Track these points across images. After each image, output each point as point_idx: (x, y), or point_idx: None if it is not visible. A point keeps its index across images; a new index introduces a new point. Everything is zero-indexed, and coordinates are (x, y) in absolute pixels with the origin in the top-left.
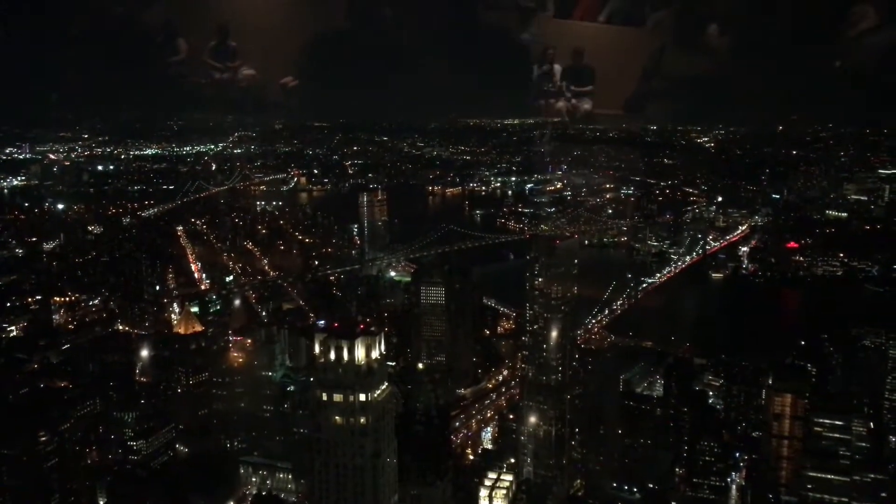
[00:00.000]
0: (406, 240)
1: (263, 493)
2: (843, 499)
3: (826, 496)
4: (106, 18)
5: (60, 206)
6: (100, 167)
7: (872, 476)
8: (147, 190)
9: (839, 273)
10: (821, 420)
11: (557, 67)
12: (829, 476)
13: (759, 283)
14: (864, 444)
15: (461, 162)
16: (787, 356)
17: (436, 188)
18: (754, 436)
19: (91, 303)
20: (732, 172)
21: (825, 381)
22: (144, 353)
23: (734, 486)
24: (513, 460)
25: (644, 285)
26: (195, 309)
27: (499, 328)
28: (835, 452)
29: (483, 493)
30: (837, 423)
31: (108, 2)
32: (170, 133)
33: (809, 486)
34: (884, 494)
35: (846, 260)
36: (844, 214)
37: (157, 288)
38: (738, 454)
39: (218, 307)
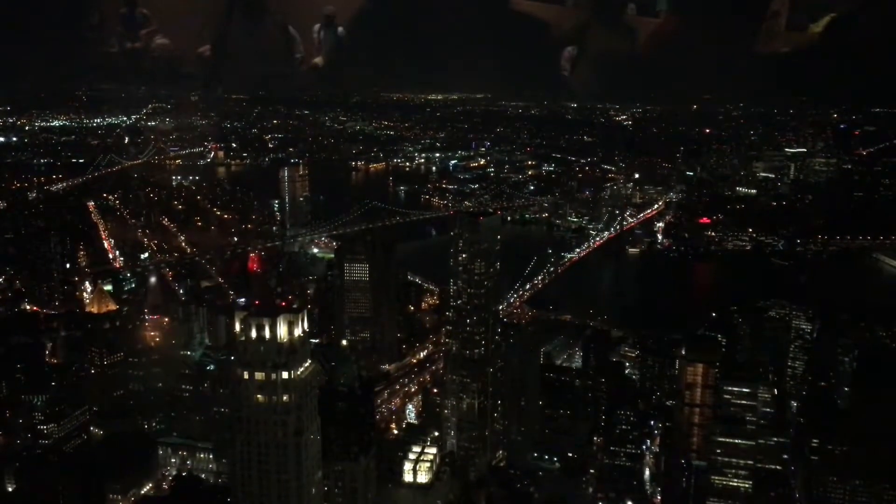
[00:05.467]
0: (329, 216)
1: (184, 474)
2: (749, 461)
3: (734, 459)
4: None
5: None
6: (1, 139)
7: (776, 439)
8: (55, 163)
9: (748, 247)
10: (729, 388)
11: None
12: (736, 441)
13: (673, 258)
14: (768, 410)
15: (385, 137)
16: (698, 328)
17: (359, 163)
18: (668, 404)
19: None
20: (649, 150)
21: (734, 350)
22: (54, 333)
23: (649, 453)
24: (436, 433)
25: (564, 260)
26: (109, 287)
27: (423, 304)
28: (742, 418)
29: (407, 466)
30: (744, 390)
31: None
32: (78, 104)
33: (719, 451)
34: (786, 456)
35: (754, 235)
36: (753, 191)
37: (68, 266)
38: (652, 422)
39: (133, 285)
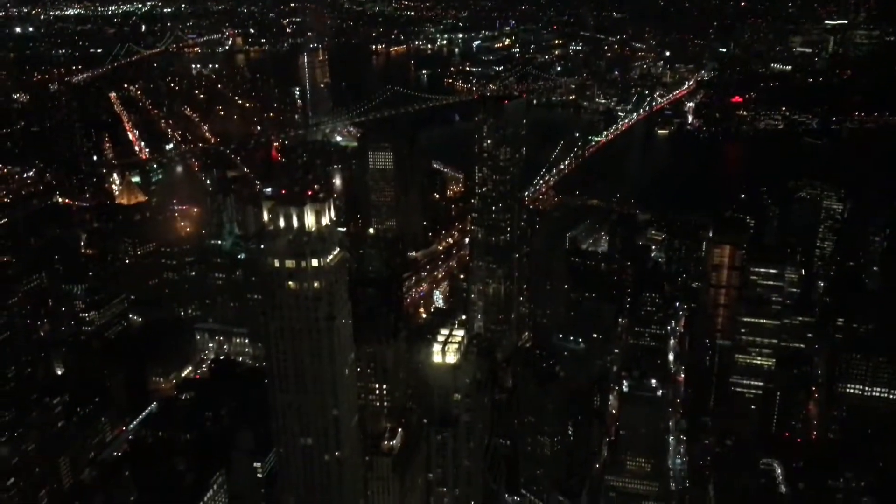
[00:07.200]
0: (351, 103)
1: (221, 358)
2: (774, 340)
3: (758, 339)
4: None
5: None
6: (17, 29)
7: (801, 319)
8: (73, 54)
9: (780, 126)
10: (756, 269)
11: None
12: (761, 321)
13: (703, 139)
14: (795, 290)
15: (405, 18)
16: (727, 209)
17: (379, 47)
18: (694, 286)
19: (25, 175)
20: (680, 26)
21: (762, 232)
22: (87, 225)
23: (674, 334)
24: (464, 317)
25: (591, 144)
26: (136, 179)
27: (448, 191)
28: (768, 299)
29: (436, 347)
30: (771, 271)
31: None
32: None
33: (743, 331)
34: (810, 335)
35: (788, 113)
36: (789, 67)
37: (95, 158)
38: (678, 304)
39: (160, 176)
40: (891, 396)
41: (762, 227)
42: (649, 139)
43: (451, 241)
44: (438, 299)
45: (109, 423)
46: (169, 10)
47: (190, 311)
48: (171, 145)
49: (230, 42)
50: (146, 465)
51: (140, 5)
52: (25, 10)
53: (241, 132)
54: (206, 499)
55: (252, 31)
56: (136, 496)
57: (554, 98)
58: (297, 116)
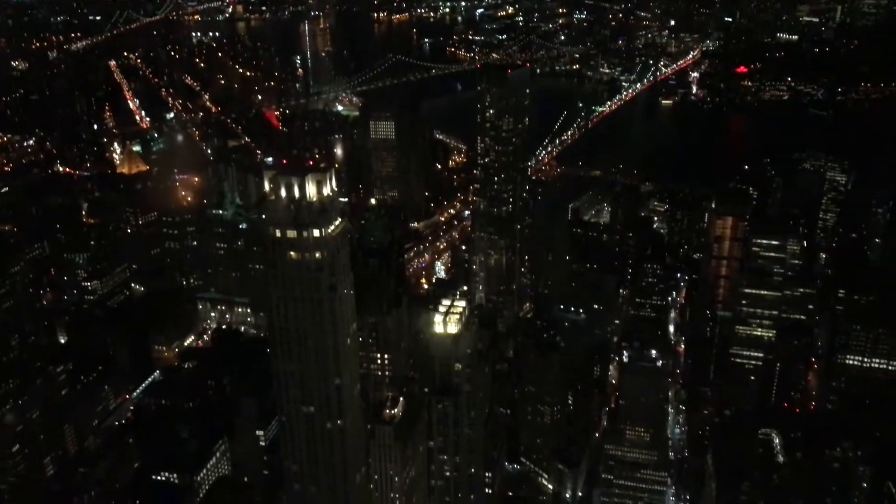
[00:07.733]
0: (352, 72)
1: (223, 327)
2: (774, 312)
3: (759, 310)
4: None
5: None
6: None
7: (802, 290)
8: (72, 21)
9: (785, 97)
10: (758, 241)
11: None
12: (762, 292)
13: (707, 109)
14: (797, 262)
15: None
16: (730, 181)
17: (381, 15)
18: (695, 257)
19: (26, 144)
20: None
21: (765, 203)
22: (89, 194)
23: (675, 306)
24: (465, 288)
25: (595, 114)
26: (137, 148)
27: (450, 162)
28: (770, 270)
29: (438, 318)
30: (773, 243)
31: None
32: None
33: (744, 302)
34: (811, 306)
35: (793, 84)
36: (795, 37)
37: (96, 127)
38: (679, 275)
39: (161, 145)
40: (890, 368)
41: (765, 199)
42: (653, 109)
43: (452, 211)
44: (440, 270)
45: (113, 392)
46: None
47: (192, 281)
48: (171, 114)
49: (230, 9)
50: (150, 432)
51: None
52: None
53: (241, 101)
54: (209, 466)
55: None
56: (140, 463)
57: (557, 67)
58: (298, 85)
